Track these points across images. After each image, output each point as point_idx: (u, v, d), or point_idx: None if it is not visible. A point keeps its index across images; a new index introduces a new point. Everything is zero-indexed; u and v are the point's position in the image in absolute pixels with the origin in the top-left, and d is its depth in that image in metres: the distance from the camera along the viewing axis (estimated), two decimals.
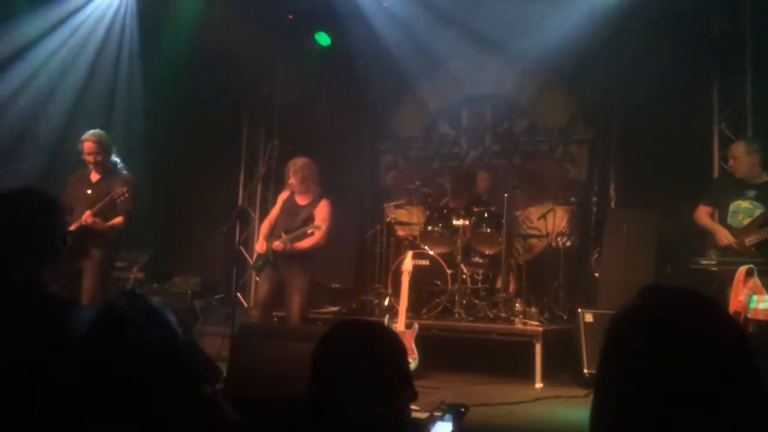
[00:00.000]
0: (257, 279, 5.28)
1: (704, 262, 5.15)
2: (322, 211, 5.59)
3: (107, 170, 5.26)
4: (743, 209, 4.99)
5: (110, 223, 5.09)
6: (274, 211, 5.80)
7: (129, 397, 1.41)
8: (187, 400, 1.50)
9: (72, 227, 4.82)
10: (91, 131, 5.27)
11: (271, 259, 5.47)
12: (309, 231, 5.46)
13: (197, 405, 1.53)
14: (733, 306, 4.60)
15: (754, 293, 4.63)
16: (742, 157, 4.97)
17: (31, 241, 1.84)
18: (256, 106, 8.35)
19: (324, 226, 5.51)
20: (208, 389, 1.69)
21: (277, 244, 5.45)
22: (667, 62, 6.45)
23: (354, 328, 1.62)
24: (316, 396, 1.44)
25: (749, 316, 4.55)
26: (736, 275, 4.72)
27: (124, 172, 5.33)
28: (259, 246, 5.64)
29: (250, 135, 8.44)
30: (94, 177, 5.26)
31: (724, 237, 5.00)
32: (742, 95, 6.43)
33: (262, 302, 5.57)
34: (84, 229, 4.94)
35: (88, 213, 4.93)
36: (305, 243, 5.50)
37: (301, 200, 5.67)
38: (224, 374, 4.27)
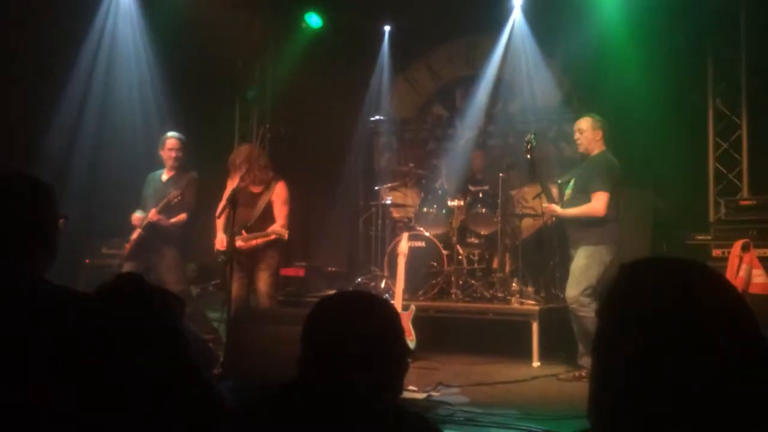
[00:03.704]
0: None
1: (700, 238, 5.16)
2: (280, 196, 5.36)
3: (179, 168, 5.61)
4: (568, 187, 5.13)
5: (174, 220, 5.41)
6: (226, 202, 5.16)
7: (125, 381, 1.40)
8: (183, 385, 1.48)
9: (143, 224, 5.40)
10: (172, 131, 5.69)
11: (234, 256, 5.01)
12: (271, 237, 5.17)
13: (193, 390, 1.51)
14: (732, 282, 4.61)
15: (752, 267, 4.65)
16: (588, 130, 4.99)
17: (19, 226, 1.80)
18: (249, 89, 8.28)
19: (283, 218, 5.30)
20: (204, 374, 1.68)
21: (240, 244, 5.13)
22: (661, 37, 6.41)
23: (343, 298, 1.59)
24: (307, 371, 1.41)
25: (749, 291, 4.57)
26: (732, 250, 4.74)
27: (191, 171, 5.67)
28: (219, 242, 5.32)
29: (243, 118, 8.38)
30: (166, 175, 5.62)
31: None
32: (736, 69, 6.40)
33: (238, 301, 5.19)
34: (151, 226, 5.36)
35: (153, 211, 5.35)
36: (268, 238, 5.26)
37: (255, 188, 5.38)
38: (221, 359, 4.27)
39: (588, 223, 4.92)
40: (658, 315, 0.93)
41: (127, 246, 5.53)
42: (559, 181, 5.40)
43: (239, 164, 5.29)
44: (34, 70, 6.26)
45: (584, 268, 4.90)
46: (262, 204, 5.35)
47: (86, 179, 6.62)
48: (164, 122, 7.23)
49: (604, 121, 5.12)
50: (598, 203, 4.86)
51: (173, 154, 5.56)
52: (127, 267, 5.38)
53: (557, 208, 4.93)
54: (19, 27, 5.96)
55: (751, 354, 0.92)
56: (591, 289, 4.89)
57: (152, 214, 5.36)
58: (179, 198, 5.37)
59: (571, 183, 5.07)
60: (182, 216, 5.45)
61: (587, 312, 4.81)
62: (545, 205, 4.95)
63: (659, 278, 0.97)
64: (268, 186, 5.41)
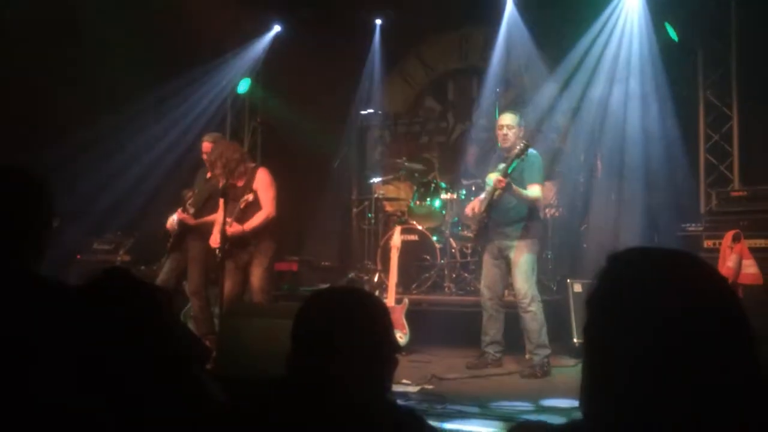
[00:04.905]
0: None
1: (691, 229, 5.18)
2: (261, 182, 5.32)
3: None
4: (490, 180, 5.09)
5: (202, 220, 5.47)
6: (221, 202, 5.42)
7: (113, 375, 1.39)
8: (172, 379, 1.48)
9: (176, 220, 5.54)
10: (210, 133, 5.73)
11: (226, 246, 5.08)
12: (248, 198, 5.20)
13: (182, 384, 1.51)
14: (722, 272, 4.64)
15: (742, 258, 4.67)
16: (515, 126, 5.04)
17: (7, 223, 1.78)
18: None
19: (268, 201, 5.26)
20: (196, 369, 1.67)
21: (230, 229, 5.11)
22: (651, 28, 6.42)
23: (333, 293, 1.59)
24: (297, 366, 1.41)
25: (738, 281, 4.60)
26: (723, 240, 4.76)
27: None
28: (213, 240, 5.31)
29: (234, 112, 8.34)
30: (209, 174, 5.64)
31: (468, 207, 5.37)
32: (727, 61, 6.41)
33: (230, 299, 5.20)
34: (182, 223, 5.50)
35: (179, 210, 5.49)
36: (254, 222, 5.22)
37: (239, 182, 5.34)
38: (213, 354, 4.26)
39: (525, 216, 5.00)
40: (646, 305, 0.93)
41: (170, 240, 5.65)
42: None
43: (214, 161, 5.30)
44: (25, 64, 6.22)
45: (530, 261, 4.98)
46: (244, 195, 5.29)
47: (75, 175, 6.58)
48: (152, 115, 7.21)
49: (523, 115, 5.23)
50: (541, 193, 5.04)
51: (205, 157, 5.58)
52: (169, 261, 5.61)
53: (513, 184, 4.89)
54: None
55: (739, 343, 0.92)
56: (536, 283, 5.03)
57: (178, 213, 5.52)
58: (191, 200, 5.49)
59: (494, 175, 4.99)
60: (209, 218, 5.46)
61: (536, 308, 4.92)
62: (498, 177, 4.84)
63: (647, 269, 0.97)
64: (250, 177, 5.37)
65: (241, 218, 5.24)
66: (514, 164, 4.89)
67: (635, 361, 0.92)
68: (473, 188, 6.53)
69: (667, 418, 0.89)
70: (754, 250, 4.93)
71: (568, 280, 5.74)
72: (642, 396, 0.91)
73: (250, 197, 5.13)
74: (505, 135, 5.03)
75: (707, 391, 0.89)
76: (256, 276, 5.28)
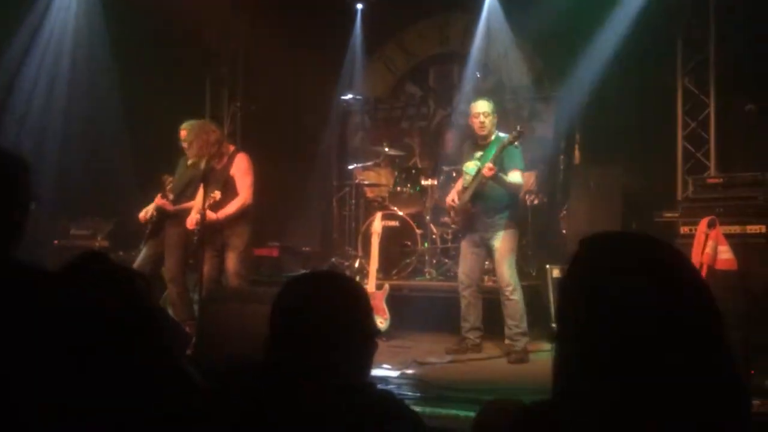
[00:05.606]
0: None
1: (668, 215, 5.24)
2: (239, 168, 5.29)
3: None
4: (470, 170, 5.12)
5: (180, 206, 5.44)
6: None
7: (93, 361, 1.38)
8: (153, 366, 1.47)
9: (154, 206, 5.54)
10: (188, 121, 5.68)
11: (203, 230, 5.05)
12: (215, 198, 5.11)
13: (163, 371, 1.50)
14: (697, 258, 4.71)
15: (718, 244, 4.74)
16: (491, 114, 5.08)
17: None
18: (219, 66, 8.15)
19: (247, 189, 5.24)
20: (175, 354, 1.67)
21: (210, 216, 5.09)
22: (631, 16, 6.45)
23: (311, 277, 1.59)
24: (274, 350, 1.41)
25: (715, 267, 4.66)
26: (698, 227, 4.82)
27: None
28: (190, 222, 5.27)
29: (213, 96, 8.25)
30: (189, 161, 5.52)
31: (449, 197, 5.38)
32: (705, 49, 6.46)
33: (209, 281, 5.23)
34: (160, 209, 5.50)
35: (158, 196, 5.45)
36: (229, 209, 5.19)
37: (217, 164, 5.31)
38: (194, 340, 4.26)
39: (509, 204, 5.06)
40: (614, 288, 0.94)
41: (148, 227, 5.62)
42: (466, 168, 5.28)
43: (191, 142, 5.25)
44: None
45: (510, 250, 5.05)
46: (222, 180, 5.26)
47: (53, 160, 6.50)
48: (131, 102, 7.12)
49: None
50: (523, 180, 5.13)
51: (185, 145, 5.46)
52: (146, 247, 5.57)
53: (499, 173, 4.89)
54: None
55: (714, 331, 0.94)
56: (516, 272, 5.11)
57: (157, 199, 5.48)
58: (170, 185, 5.48)
59: (475, 168, 5.01)
60: (188, 204, 5.42)
61: (518, 296, 5.00)
62: (488, 166, 4.82)
63: (616, 252, 0.99)
64: (228, 160, 5.33)
65: (218, 204, 5.20)
66: (492, 151, 4.90)
67: (601, 341, 0.93)
68: (454, 174, 6.55)
69: (647, 406, 0.91)
70: (728, 236, 5.00)
71: (547, 266, 5.80)
72: (620, 384, 0.92)
73: (217, 196, 5.03)
74: (482, 123, 5.03)
75: (687, 381, 0.90)
76: (231, 260, 5.27)
